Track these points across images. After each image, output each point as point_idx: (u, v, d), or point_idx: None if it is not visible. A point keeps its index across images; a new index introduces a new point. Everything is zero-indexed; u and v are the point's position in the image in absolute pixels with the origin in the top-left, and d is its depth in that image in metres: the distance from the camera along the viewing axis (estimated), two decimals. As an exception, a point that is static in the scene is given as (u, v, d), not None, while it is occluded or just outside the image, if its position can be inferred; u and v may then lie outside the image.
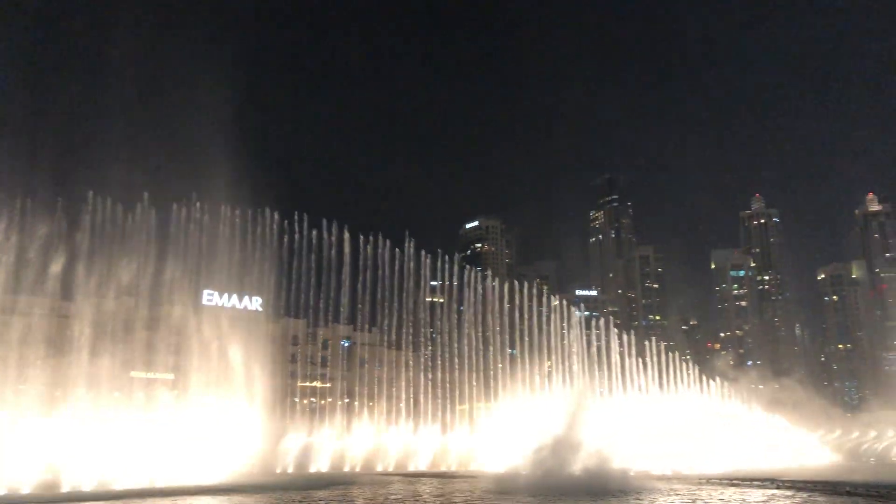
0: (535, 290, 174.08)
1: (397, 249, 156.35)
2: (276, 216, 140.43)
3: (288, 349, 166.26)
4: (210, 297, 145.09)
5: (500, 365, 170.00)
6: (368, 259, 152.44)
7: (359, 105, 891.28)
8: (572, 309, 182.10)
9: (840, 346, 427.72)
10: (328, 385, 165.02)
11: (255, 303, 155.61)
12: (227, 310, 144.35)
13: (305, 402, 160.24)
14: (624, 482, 77.25)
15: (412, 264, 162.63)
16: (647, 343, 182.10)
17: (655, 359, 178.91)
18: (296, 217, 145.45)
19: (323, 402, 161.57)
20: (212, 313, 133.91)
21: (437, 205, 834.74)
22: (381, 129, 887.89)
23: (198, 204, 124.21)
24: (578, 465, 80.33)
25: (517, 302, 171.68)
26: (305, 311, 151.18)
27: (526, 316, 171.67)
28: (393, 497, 63.78)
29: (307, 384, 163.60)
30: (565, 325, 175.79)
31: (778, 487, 72.75)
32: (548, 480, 75.83)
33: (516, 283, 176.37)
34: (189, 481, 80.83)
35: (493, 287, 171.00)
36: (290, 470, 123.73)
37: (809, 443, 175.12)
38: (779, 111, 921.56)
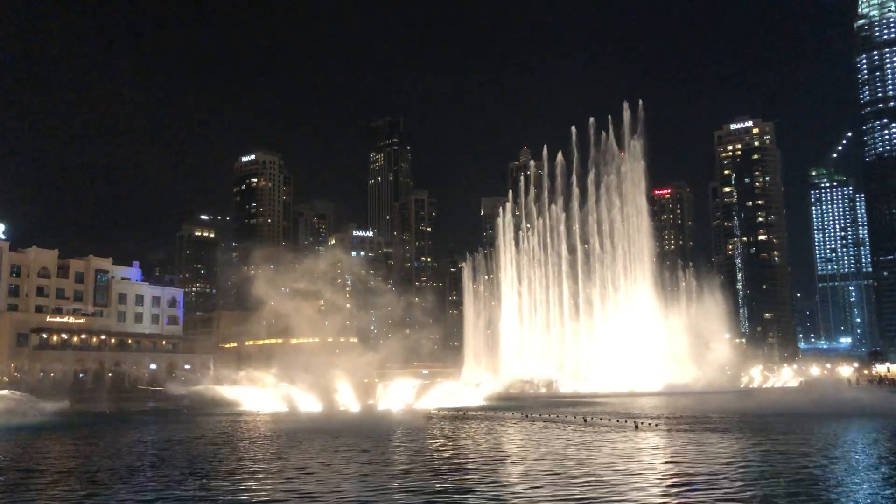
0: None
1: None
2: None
3: (34, 281, 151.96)
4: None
5: (272, 303, 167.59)
6: (130, 187, 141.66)
7: (133, 32, 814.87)
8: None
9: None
10: (82, 321, 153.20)
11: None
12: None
13: (56, 338, 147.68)
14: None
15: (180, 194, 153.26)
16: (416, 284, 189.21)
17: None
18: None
19: (76, 339, 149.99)
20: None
21: (213, 137, 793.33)
22: (157, 56, 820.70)
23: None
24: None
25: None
26: (61, 241, 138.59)
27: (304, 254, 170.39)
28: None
29: (56, 319, 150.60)
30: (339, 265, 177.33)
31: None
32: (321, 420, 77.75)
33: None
34: None
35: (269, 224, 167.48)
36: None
37: None
38: (548, 67, 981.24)
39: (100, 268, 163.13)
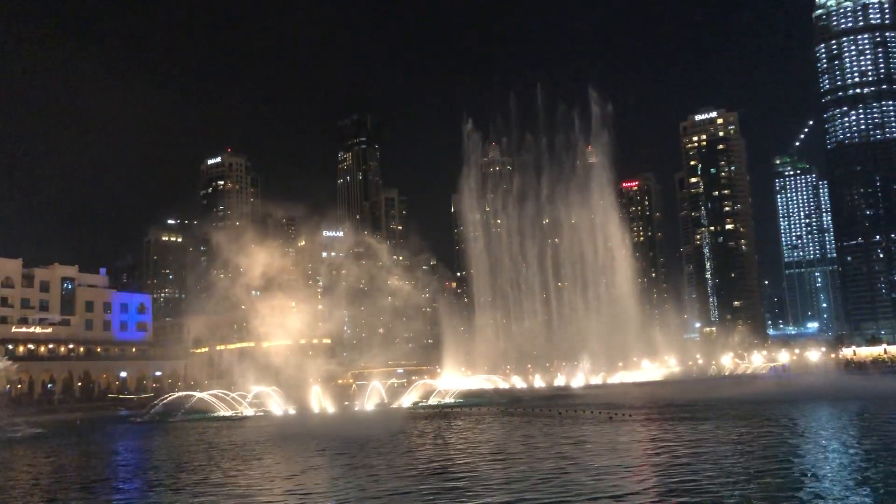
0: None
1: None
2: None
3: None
4: None
5: (243, 307, 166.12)
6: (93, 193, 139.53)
7: (95, 32, 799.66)
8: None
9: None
10: (49, 330, 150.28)
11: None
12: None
13: (23, 349, 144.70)
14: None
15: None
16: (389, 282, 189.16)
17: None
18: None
19: (43, 349, 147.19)
20: None
21: (178, 140, 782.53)
22: (120, 57, 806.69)
23: None
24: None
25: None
26: (24, 249, 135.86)
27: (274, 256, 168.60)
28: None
29: (22, 329, 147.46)
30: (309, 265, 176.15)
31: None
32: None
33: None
34: None
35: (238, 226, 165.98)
36: None
37: None
38: (513, 63, 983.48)
39: (66, 276, 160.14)
